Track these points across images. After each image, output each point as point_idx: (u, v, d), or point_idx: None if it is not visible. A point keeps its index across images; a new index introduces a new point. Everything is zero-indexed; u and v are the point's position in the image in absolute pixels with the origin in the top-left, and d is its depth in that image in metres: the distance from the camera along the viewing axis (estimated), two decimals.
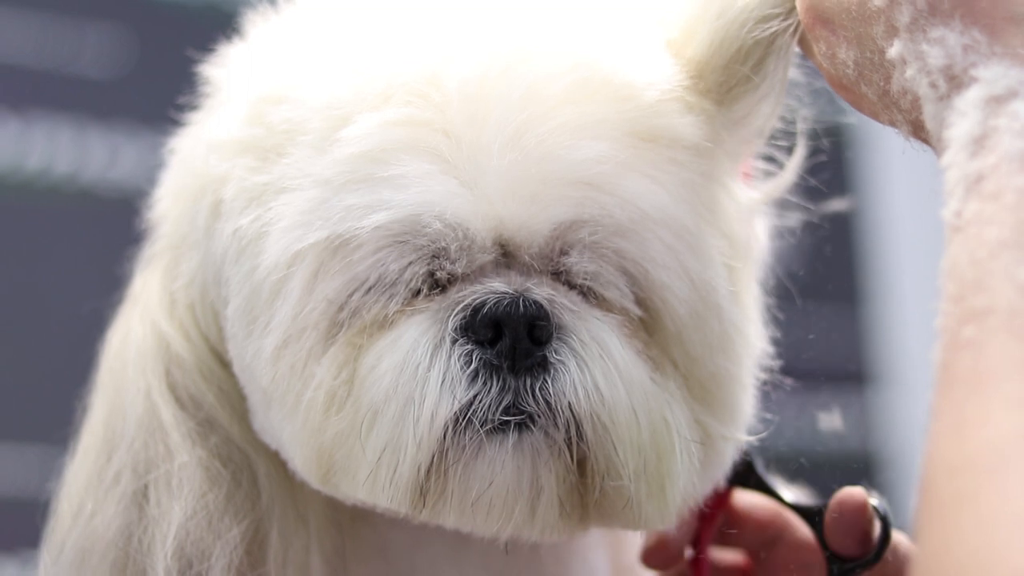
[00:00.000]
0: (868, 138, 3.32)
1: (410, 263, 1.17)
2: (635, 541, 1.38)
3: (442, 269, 1.17)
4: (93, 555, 1.27)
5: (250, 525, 1.26)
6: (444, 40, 1.19)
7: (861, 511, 1.31)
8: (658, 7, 1.25)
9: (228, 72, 1.32)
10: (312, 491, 1.26)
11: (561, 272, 1.19)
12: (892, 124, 1.11)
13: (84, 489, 1.30)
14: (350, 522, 1.29)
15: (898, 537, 1.32)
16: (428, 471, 1.15)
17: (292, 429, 1.21)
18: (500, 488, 1.16)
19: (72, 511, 1.30)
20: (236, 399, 1.29)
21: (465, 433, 1.15)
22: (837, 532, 1.32)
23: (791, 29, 1.18)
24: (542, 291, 1.17)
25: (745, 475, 1.37)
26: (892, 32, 1.07)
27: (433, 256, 1.17)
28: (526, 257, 1.18)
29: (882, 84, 1.09)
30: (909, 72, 1.06)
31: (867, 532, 1.32)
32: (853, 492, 1.33)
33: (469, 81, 1.16)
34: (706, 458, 1.23)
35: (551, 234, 1.17)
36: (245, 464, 1.28)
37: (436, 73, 1.17)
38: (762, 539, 1.37)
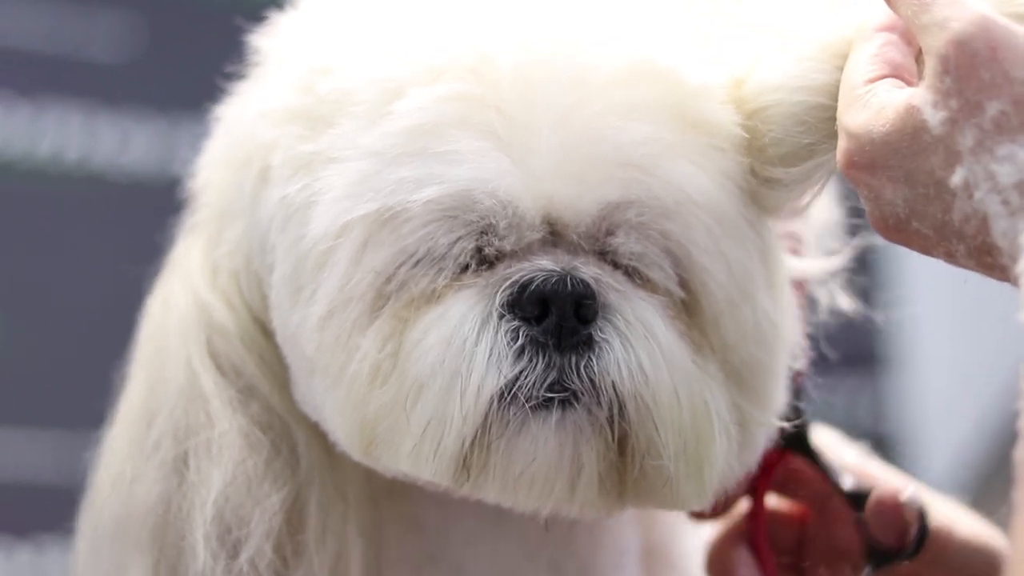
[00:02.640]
0: None
1: (459, 238, 1.17)
2: (666, 520, 1.40)
3: (490, 245, 1.18)
4: (133, 522, 1.28)
5: (289, 493, 1.27)
6: (497, 17, 1.19)
7: (901, 506, 1.34)
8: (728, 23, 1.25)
9: (277, 41, 1.32)
10: (350, 463, 1.26)
11: (607, 252, 1.20)
12: (948, 256, 1.09)
13: (124, 457, 1.30)
14: (386, 496, 1.30)
15: (936, 527, 1.34)
16: (472, 445, 1.16)
17: (335, 400, 1.21)
18: (542, 464, 1.17)
19: (111, 479, 1.30)
20: (278, 368, 1.29)
21: (510, 409, 1.15)
22: (876, 523, 1.34)
23: (832, 151, 1.16)
24: (589, 270, 1.18)
25: (798, 441, 1.38)
26: (954, 159, 1.05)
27: (482, 232, 1.17)
28: (573, 236, 1.19)
29: (940, 216, 1.07)
30: (978, 195, 1.04)
31: (906, 526, 1.34)
32: (894, 486, 1.35)
33: (521, 60, 1.16)
34: (742, 441, 1.24)
35: (598, 214, 1.18)
36: (285, 433, 1.28)
37: (488, 50, 1.17)
38: (822, 493, 1.39)
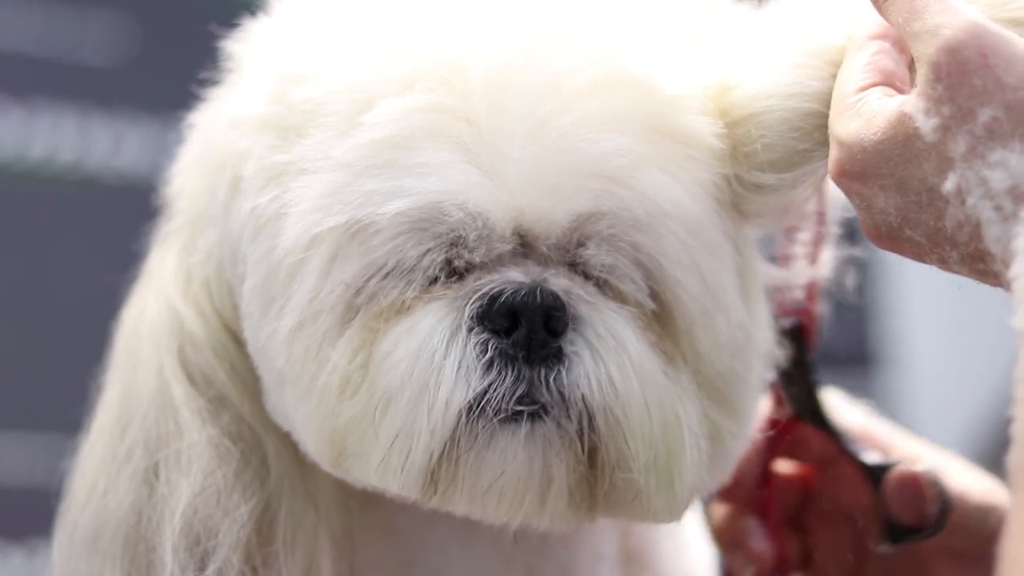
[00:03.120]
0: None
1: (428, 250, 1.17)
2: (643, 526, 1.39)
3: (460, 257, 1.17)
4: (105, 532, 1.27)
5: (258, 504, 1.26)
6: (469, 27, 1.19)
7: (921, 484, 1.35)
8: (713, 31, 1.24)
9: (251, 48, 1.32)
10: (322, 472, 1.26)
11: (578, 263, 1.19)
12: (941, 262, 1.09)
13: (98, 467, 1.30)
14: (359, 503, 1.30)
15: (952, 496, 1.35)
16: (440, 458, 1.16)
17: (305, 411, 1.21)
18: (511, 477, 1.16)
19: (86, 489, 1.30)
20: (249, 378, 1.29)
21: (478, 422, 1.15)
22: (897, 501, 1.35)
23: (824, 161, 1.16)
24: (559, 282, 1.17)
25: (812, 411, 1.38)
26: (946, 166, 1.05)
27: (452, 244, 1.17)
28: (544, 248, 1.18)
29: (933, 223, 1.07)
30: (970, 201, 1.04)
31: (925, 503, 1.35)
32: (912, 463, 1.36)
33: (493, 70, 1.16)
34: (714, 453, 1.23)
35: (569, 225, 1.17)
36: (255, 443, 1.28)
37: (460, 60, 1.17)
38: (826, 454, 1.41)
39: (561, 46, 1.17)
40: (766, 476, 1.39)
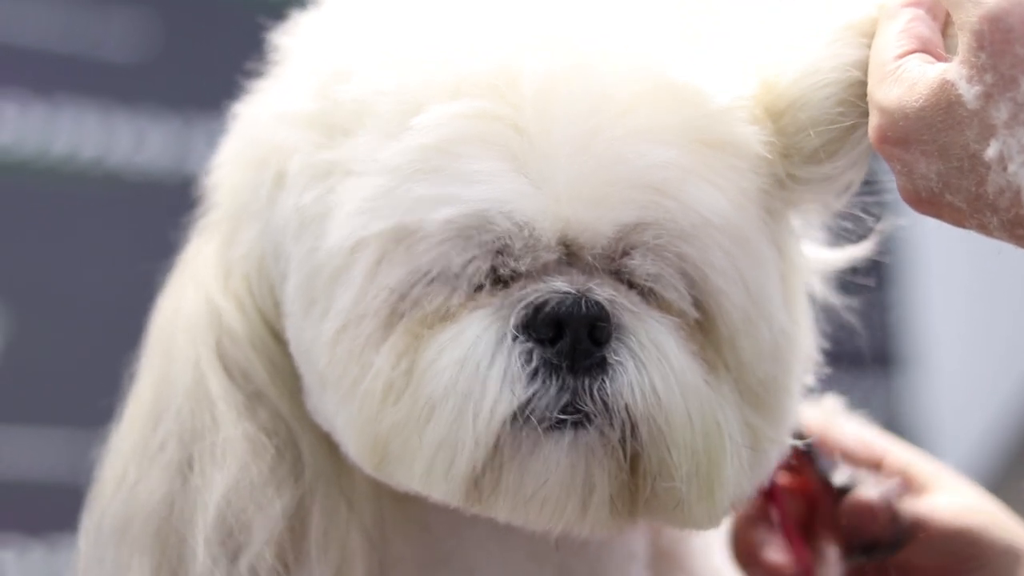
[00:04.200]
0: None
1: (473, 257, 1.17)
2: None
3: (505, 266, 1.17)
4: (135, 523, 1.27)
5: (292, 500, 1.26)
6: (519, 34, 1.18)
7: (873, 511, 1.35)
8: (757, 23, 1.25)
9: (298, 41, 1.31)
10: (356, 469, 1.26)
11: (623, 272, 1.19)
12: (981, 228, 1.10)
13: (129, 457, 1.30)
14: (393, 500, 1.29)
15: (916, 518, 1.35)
16: (483, 467, 1.16)
17: (347, 415, 1.21)
18: (554, 485, 1.17)
19: (116, 479, 1.30)
20: (288, 375, 1.29)
21: (522, 430, 1.15)
22: (849, 524, 1.36)
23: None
24: (603, 291, 1.17)
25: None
26: (988, 132, 1.07)
27: (497, 252, 1.17)
28: (589, 257, 1.18)
29: (974, 188, 1.08)
30: (1012, 167, 1.06)
31: (875, 528, 1.35)
32: (869, 491, 1.36)
33: (543, 78, 1.16)
34: (754, 460, 1.24)
35: (615, 236, 1.18)
36: (290, 439, 1.28)
37: (509, 68, 1.16)
38: None
39: (611, 55, 1.17)
40: (774, 487, 1.39)
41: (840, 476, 1.39)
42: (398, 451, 1.19)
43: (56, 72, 3.01)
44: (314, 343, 1.22)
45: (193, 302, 1.32)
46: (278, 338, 1.29)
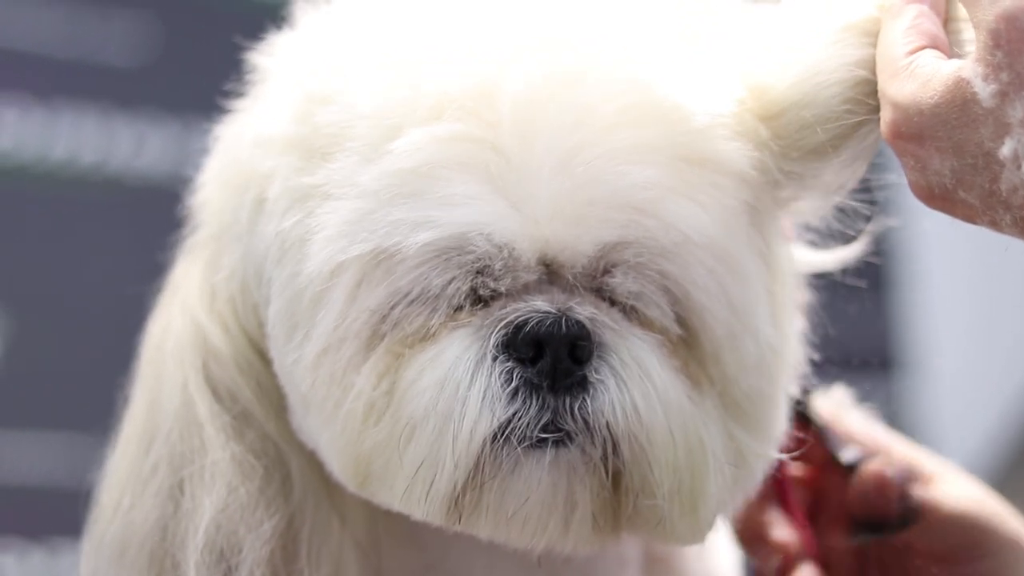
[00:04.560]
0: None
1: (453, 278, 1.17)
2: None
3: (485, 286, 1.17)
4: (131, 547, 1.28)
5: (282, 520, 1.27)
6: (496, 54, 1.18)
7: (884, 484, 1.37)
8: (745, 30, 1.24)
9: (276, 62, 1.31)
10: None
11: (604, 290, 1.19)
12: (992, 225, 1.11)
13: (123, 481, 1.30)
14: (384, 512, 1.29)
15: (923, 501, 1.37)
16: (464, 486, 1.16)
17: (330, 435, 1.22)
18: (535, 504, 1.17)
19: (112, 502, 1.31)
20: (274, 394, 1.29)
21: (503, 449, 1.15)
22: (858, 498, 1.38)
23: (878, 124, 1.17)
24: (584, 310, 1.17)
25: (799, 408, 1.39)
26: (1003, 131, 1.07)
27: (477, 273, 1.17)
28: (569, 276, 1.18)
29: (988, 186, 1.09)
30: None
31: (888, 503, 1.36)
32: (880, 464, 1.38)
33: (521, 100, 1.15)
34: (738, 474, 1.24)
35: (595, 255, 1.17)
36: (279, 459, 1.29)
37: (488, 89, 1.16)
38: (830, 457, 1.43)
39: (590, 74, 1.16)
40: (780, 470, 1.39)
41: (849, 453, 1.40)
42: (380, 471, 1.19)
43: (56, 76, 3.01)
44: (296, 366, 1.22)
45: (180, 324, 1.32)
46: (264, 358, 1.30)
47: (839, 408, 1.44)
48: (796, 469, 1.43)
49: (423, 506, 1.17)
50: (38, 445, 2.90)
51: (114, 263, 2.93)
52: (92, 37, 3.06)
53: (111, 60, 3.06)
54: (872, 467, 1.38)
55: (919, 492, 1.37)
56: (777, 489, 1.40)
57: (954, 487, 1.39)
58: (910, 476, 1.38)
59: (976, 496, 1.38)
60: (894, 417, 3.73)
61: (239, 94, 1.34)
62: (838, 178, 1.24)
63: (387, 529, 1.31)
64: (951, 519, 1.36)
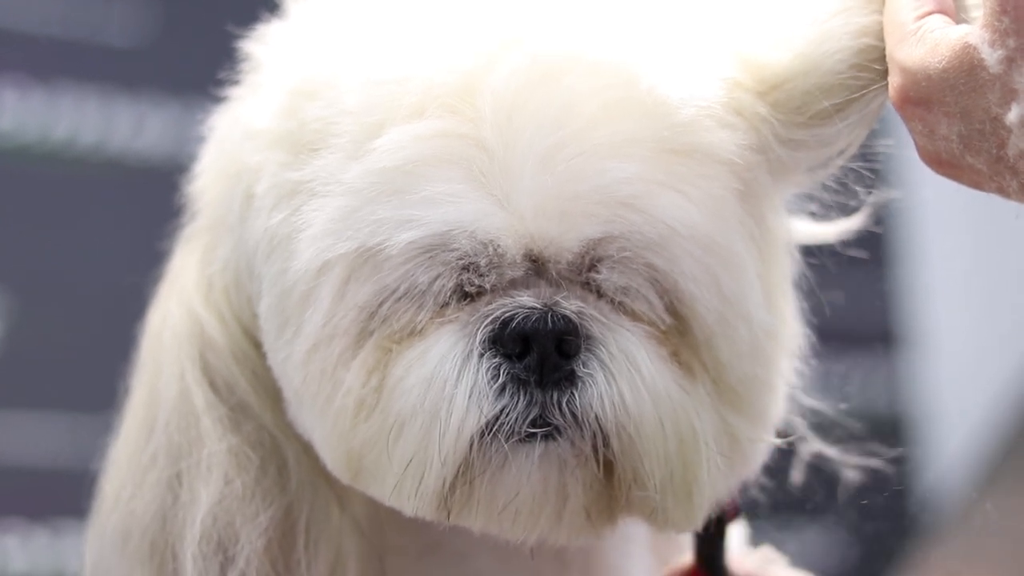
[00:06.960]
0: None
1: (438, 275, 1.17)
2: None
3: (471, 283, 1.17)
4: (133, 536, 1.29)
5: (279, 510, 1.28)
6: (480, 50, 1.18)
7: None
8: (737, 9, 1.24)
9: (267, 51, 1.31)
10: None
11: (591, 283, 1.19)
12: (1000, 191, 1.11)
13: (124, 471, 1.31)
14: None
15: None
16: (453, 482, 1.17)
17: (322, 430, 1.22)
18: (526, 497, 1.17)
19: (114, 492, 1.31)
20: (270, 385, 1.29)
21: (491, 445, 1.16)
22: None
23: (884, 90, 1.18)
24: (571, 304, 1.17)
25: (711, 561, 1.37)
26: (1010, 96, 1.08)
27: (463, 269, 1.17)
28: (555, 271, 1.18)
29: (995, 151, 1.09)
30: None
31: None
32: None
33: (504, 96, 1.15)
34: (733, 460, 1.24)
35: (580, 250, 1.17)
36: (275, 450, 1.29)
37: (471, 85, 1.16)
38: None
39: (574, 69, 1.16)
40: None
41: None
42: (371, 466, 1.20)
43: (56, 57, 3.01)
44: (288, 362, 1.23)
45: (177, 314, 1.32)
46: (259, 349, 1.30)
47: (765, 566, 1.42)
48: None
49: (413, 502, 1.18)
50: (40, 426, 2.91)
51: (115, 243, 2.93)
52: (92, 18, 3.05)
53: (111, 41, 3.06)
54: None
55: None
56: None
57: None
58: None
59: None
60: (894, 394, 3.73)
61: (235, 81, 1.34)
62: (841, 142, 1.24)
63: (388, 511, 1.31)
64: None
